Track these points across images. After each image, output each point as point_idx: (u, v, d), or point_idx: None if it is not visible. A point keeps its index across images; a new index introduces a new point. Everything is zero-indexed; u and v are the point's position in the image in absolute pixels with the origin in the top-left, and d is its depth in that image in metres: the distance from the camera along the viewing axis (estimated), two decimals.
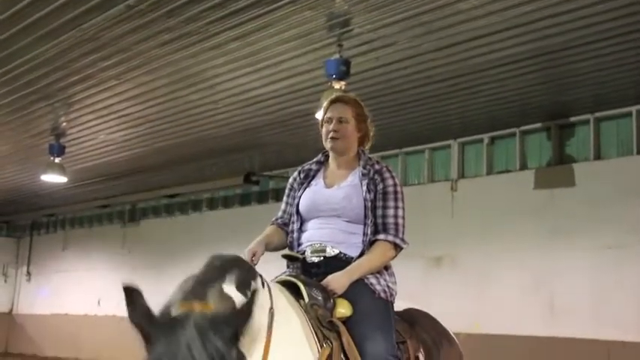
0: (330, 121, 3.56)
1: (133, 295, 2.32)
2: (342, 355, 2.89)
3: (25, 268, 21.83)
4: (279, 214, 3.72)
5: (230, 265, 2.65)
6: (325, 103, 3.69)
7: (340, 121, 3.54)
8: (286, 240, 3.62)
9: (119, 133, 11.63)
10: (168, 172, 14.34)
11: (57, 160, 12.05)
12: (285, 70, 8.50)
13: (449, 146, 11.70)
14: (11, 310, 22.06)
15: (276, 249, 3.56)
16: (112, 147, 12.52)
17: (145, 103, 9.95)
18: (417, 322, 3.68)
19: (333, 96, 3.76)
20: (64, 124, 11.14)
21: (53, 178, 12.53)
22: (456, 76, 8.56)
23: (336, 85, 7.63)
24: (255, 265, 3.21)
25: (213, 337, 2.17)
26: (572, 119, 10.20)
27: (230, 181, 14.43)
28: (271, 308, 2.68)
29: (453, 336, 3.91)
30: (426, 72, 8.46)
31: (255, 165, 13.75)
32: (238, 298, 2.47)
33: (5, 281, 22.08)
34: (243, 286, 2.58)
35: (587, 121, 10.07)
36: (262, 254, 3.36)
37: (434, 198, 11.43)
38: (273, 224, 3.69)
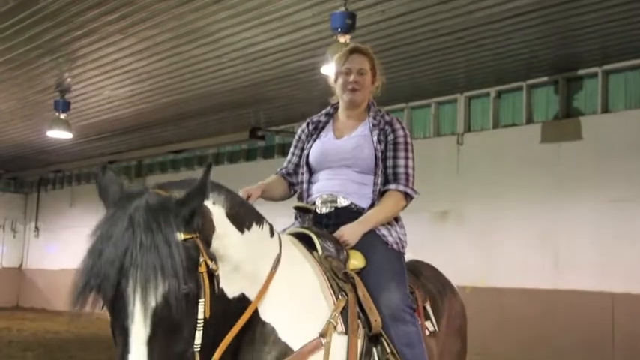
0: (349, 72, 3.48)
1: (107, 171, 2.31)
2: (357, 307, 2.89)
3: (33, 224, 22.03)
4: (285, 164, 3.68)
5: (227, 192, 2.54)
6: (342, 53, 3.58)
7: (360, 72, 3.47)
8: (287, 191, 3.61)
9: (124, 89, 11.60)
10: (174, 127, 14.34)
11: (62, 116, 12.06)
12: (290, 23, 8.42)
13: (455, 100, 11.64)
14: (21, 265, 22.33)
15: (273, 198, 3.52)
16: (117, 103, 12.50)
17: (150, 58, 9.90)
18: (422, 273, 3.70)
19: (351, 46, 3.66)
20: (69, 79, 11.11)
21: (59, 134, 12.55)
22: (462, 29, 8.48)
23: (342, 39, 7.57)
24: None
25: (160, 212, 2.09)
26: (580, 72, 10.12)
27: (236, 137, 14.43)
28: (279, 255, 2.65)
29: (455, 286, 3.94)
30: (432, 25, 8.37)
31: (260, 120, 13.73)
32: (219, 217, 2.39)
33: (14, 237, 22.30)
34: (237, 218, 2.50)
35: (594, 74, 9.99)
36: (257, 198, 3.30)
37: (440, 152, 11.42)
38: (277, 174, 3.65)
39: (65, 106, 11.95)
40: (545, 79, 10.47)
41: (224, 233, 2.40)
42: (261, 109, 12.85)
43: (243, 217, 2.56)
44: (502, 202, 10.53)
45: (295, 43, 9.06)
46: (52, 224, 21.16)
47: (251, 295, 2.51)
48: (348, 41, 7.52)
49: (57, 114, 12.03)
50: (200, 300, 2.14)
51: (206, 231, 2.27)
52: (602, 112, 9.93)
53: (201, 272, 2.15)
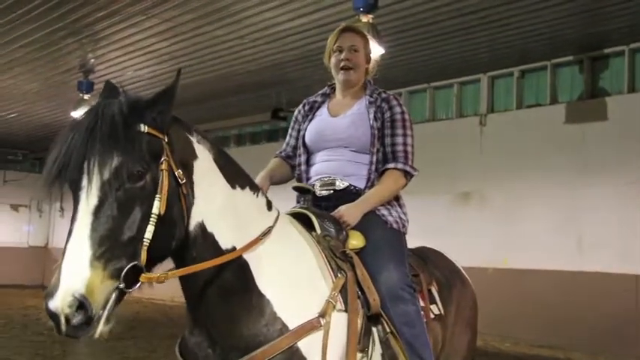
0: (340, 49, 3.41)
1: (111, 85, 2.42)
2: (356, 286, 2.84)
3: (58, 204, 22.27)
4: (283, 146, 3.63)
5: (216, 144, 2.62)
6: (334, 33, 3.50)
7: (352, 50, 3.40)
8: (290, 173, 3.55)
9: (146, 70, 11.64)
10: (196, 108, 14.35)
11: (86, 96, 12.14)
12: (311, 3, 8.38)
13: (478, 80, 11.54)
14: (47, 245, 22.62)
15: (279, 182, 3.49)
16: (140, 84, 12.54)
17: (172, 39, 9.91)
18: (429, 259, 3.62)
19: (342, 25, 3.57)
20: (92, 60, 11.17)
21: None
22: (486, 8, 8.37)
23: (364, 19, 7.51)
24: None
25: (128, 106, 2.19)
26: (606, 51, 9.98)
27: (257, 117, 14.43)
28: (270, 227, 2.64)
29: (467, 276, 3.85)
30: (456, 4, 8.28)
31: (282, 101, 13.70)
32: (203, 154, 2.47)
33: (40, 216, 22.60)
34: (226, 170, 2.55)
35: (621, 53, 9.85)
36: (268, 189, 3.28)
37: (462, 133, 11.35)
38: (276, 157, 3.60)
39: (89, 87, 12.03)
40: (570, 58, 10.35)
41: (208, 168, 2.47)
42: (282, 89, 12.83)
43: (235, 175, 2.61)
44: (525, 184, 10.46)
45: (317, 23, 9.02)
46: None
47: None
48: (370, 20, 7.47)
49: (81, 95, 12.12)
50: (157, 195, 2.19)
51: (181, 147, 2.36)
52: (628, 92, 9.80)
53: (162, 169, 2.22)
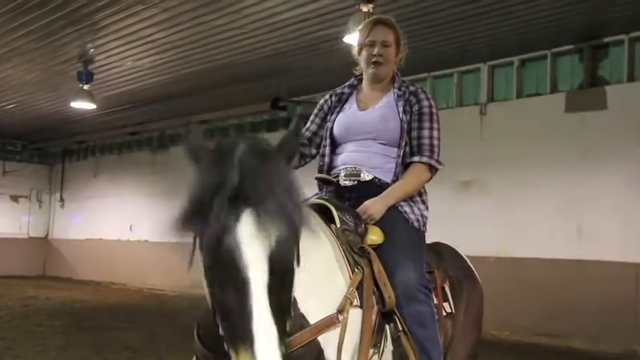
0: (372, 44, 3.40)
1: (195, 130, 2.21)
2: (372, 282, 2.82)
3: (58, 195, 22.29)
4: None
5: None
6: (365, 24, 3.49)
7: (384, 45, 3.39)
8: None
9: (146, 60, 11.62)
10: (196, 98, 14.35)
11: (86, 87, 12.15)
12: None
13: (478, 69, 11.53)
14: (47, 235, 22.64)
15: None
16: (140, 73, 12.53)
17: (171, 28, 9.89)
18: (444, 256, 3.62)
19: (375, 17, 3.55)
20: (92, 50, 11.15)
21: (82, 105, 12.65)
22: None
23: (364, 8, 7.52)
24: None
25: (265, 151, 2.07)
26: (606, 40, 9.96)
27: (257, 107, 14.41)
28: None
29: (477, 275, 3.85)
30: None
31: (282, 91, 13.69)
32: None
33: (40, 207, 22.59)
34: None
35: (621, 42, 9.84)
36: None
37: (463, 122, 11.34)
38: None
39: (88, 77, 12.02)
40: (570, 47, 10.33)
41: None
42: (282, 79, 12.82)
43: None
44: (525, 172, 10.47)
45: (317, 12, 9.00)
46: (77, 195, 21.39)
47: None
48: (370, 10, 7.47)
49: (80, 85, 12.12)
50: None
51: None
52: (628, 81, 9.79)
53: None
